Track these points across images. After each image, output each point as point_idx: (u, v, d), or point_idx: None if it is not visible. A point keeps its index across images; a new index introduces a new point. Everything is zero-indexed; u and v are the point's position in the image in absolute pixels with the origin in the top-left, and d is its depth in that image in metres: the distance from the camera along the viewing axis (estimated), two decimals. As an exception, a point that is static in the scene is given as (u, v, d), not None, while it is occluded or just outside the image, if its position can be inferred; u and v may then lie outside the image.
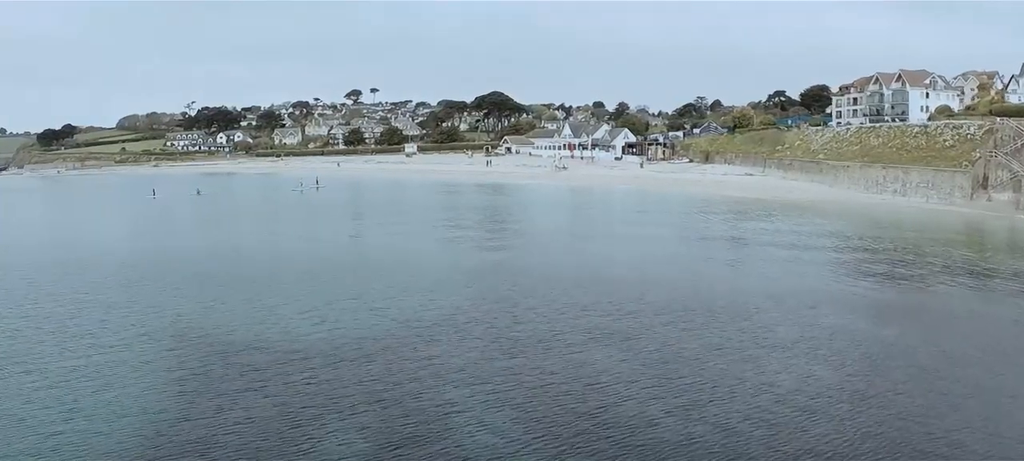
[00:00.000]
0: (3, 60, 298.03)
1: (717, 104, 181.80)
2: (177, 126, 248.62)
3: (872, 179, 65.79)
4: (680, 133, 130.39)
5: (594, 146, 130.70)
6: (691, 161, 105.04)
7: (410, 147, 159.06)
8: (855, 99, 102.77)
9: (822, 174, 73.37)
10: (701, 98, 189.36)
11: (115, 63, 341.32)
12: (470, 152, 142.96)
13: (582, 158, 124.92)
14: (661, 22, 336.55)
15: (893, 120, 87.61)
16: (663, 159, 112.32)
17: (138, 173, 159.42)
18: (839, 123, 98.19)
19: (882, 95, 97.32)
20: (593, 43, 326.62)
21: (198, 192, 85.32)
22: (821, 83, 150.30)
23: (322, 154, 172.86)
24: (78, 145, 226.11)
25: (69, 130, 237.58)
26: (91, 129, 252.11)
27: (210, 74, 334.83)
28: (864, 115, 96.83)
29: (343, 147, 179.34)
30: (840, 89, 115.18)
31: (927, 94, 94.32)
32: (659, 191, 74.24)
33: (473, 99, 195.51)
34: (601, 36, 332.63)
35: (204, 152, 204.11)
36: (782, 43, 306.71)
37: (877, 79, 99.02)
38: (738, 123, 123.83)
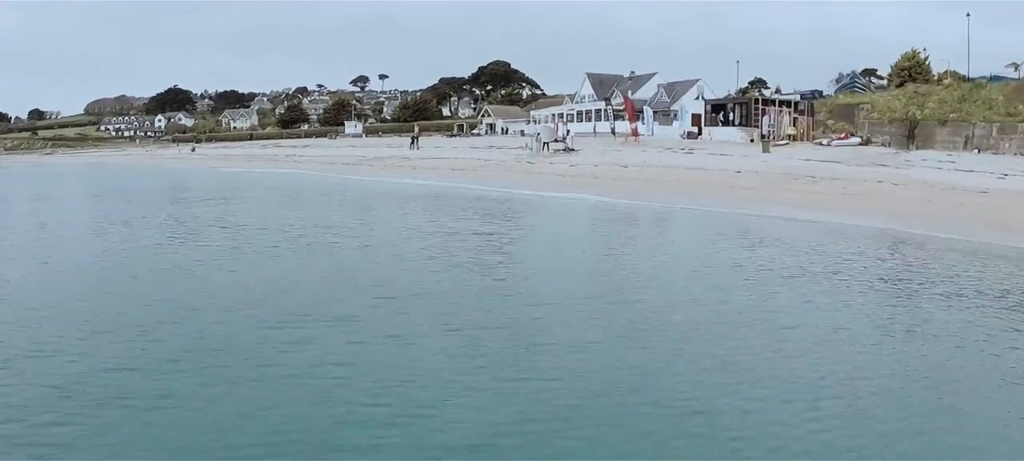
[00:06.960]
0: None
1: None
2: (143, 109, 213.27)
3: None
4: (794, 96, 67.96)
5: (639, 114, 67.61)
6: (866, 142, 43.95)
7: (352, 127, 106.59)
8: None
9: None
10: (759, 79, 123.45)
11: (120, 55, 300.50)
12: (417, 129, 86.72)
13: (615, 132, 63.94)
14: (702, 13, 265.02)
15: None
16: (793, 137, 50.59)
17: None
18: None
19: None
20: (634, 31, 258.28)
21: None
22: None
23: (251, 138, 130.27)
24: (11, 131, 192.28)
25: (36, 114, 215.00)
26: (58, 115, 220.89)
27: (219, 63, 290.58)
28: None
29: (273, 130, 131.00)
30: None
31: None
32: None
33: (473, 72, 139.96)
34: (642, 26, 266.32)
35: (127, 138, 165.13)
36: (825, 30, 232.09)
37: None
38: (907, 76, 63.15)
